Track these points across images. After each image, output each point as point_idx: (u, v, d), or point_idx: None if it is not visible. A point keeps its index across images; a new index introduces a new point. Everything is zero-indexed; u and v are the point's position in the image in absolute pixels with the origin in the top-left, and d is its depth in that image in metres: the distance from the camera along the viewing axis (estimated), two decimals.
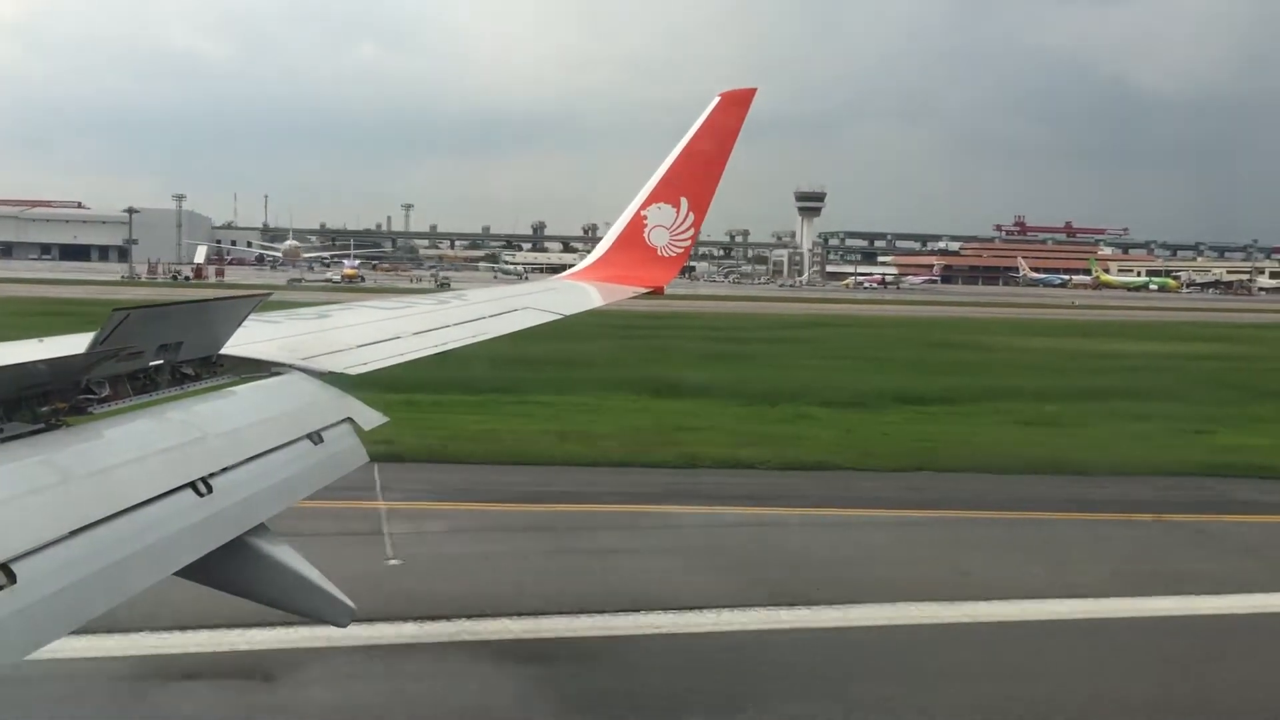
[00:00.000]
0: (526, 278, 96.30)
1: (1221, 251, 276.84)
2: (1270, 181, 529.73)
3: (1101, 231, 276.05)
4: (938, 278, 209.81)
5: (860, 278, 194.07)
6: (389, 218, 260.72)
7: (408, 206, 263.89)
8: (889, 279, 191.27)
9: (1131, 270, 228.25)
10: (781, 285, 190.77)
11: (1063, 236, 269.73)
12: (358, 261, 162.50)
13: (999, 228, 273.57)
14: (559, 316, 10.27)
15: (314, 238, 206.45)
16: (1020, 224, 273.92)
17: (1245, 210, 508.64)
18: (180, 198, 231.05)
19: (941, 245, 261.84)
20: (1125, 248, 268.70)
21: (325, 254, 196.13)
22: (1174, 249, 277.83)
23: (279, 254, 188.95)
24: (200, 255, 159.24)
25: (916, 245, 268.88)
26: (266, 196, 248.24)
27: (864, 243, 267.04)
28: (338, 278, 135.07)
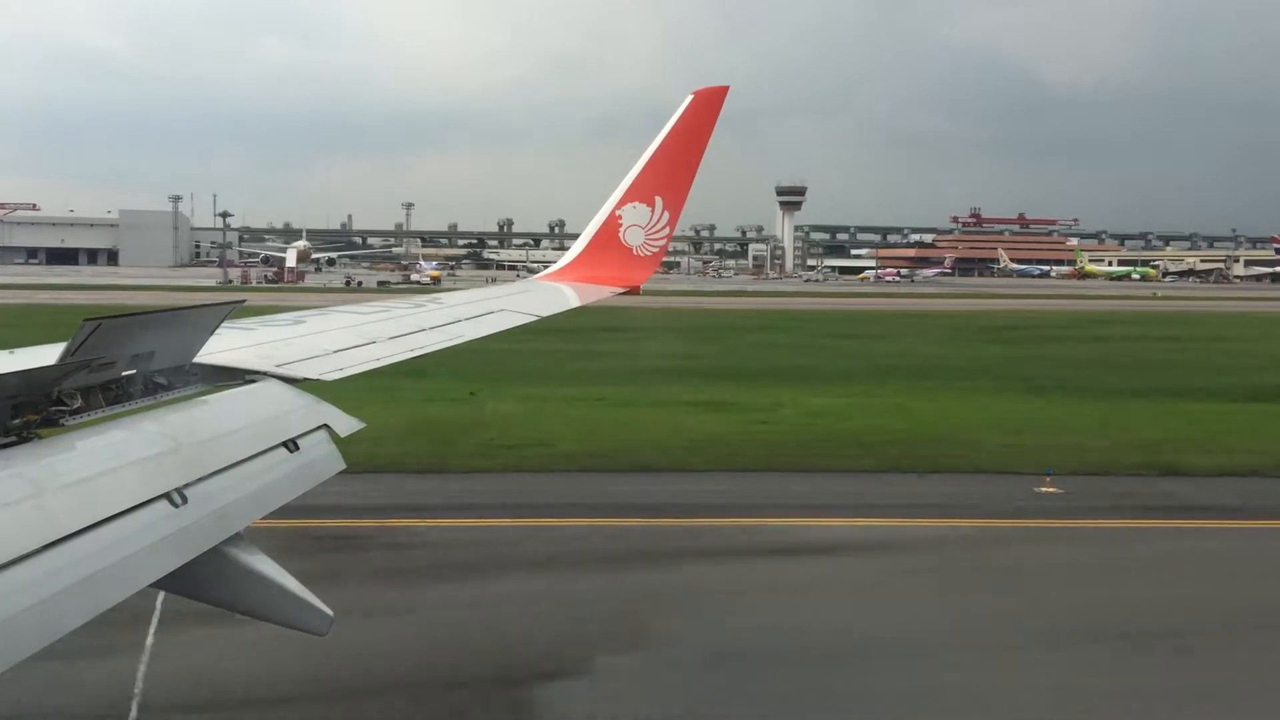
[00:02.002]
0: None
1: (1167, 240, 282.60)
2: (1180, 174, 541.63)
3: (1054, 222, 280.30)
4: (950, 270, 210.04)
5: (880, 271, 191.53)
6: (350, 216, 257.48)
7: (408, 205, 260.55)
8: (903, 273, 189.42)
9: (1102, 260, 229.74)
10: (768, 279, 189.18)
11: (1017, 228, 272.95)
12: (435, 263, 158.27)
13: (956, 219, 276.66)
14: (535, 318, 10.27)
15: (302, 238, 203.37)
16: (976, 216, 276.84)
17: (1153, 201, 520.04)
18: (176, 199, 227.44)
19: (916, 238, 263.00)
20: (1079, 237, 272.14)
21: (334, 254, 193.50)
22: (1122, 239, 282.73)
23: (285, 258, 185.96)
24: (292, 258, 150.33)
25: (877, 238, 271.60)
26: (215, 195, 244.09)
27: (826, 236, 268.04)
28: (427, 279, 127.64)
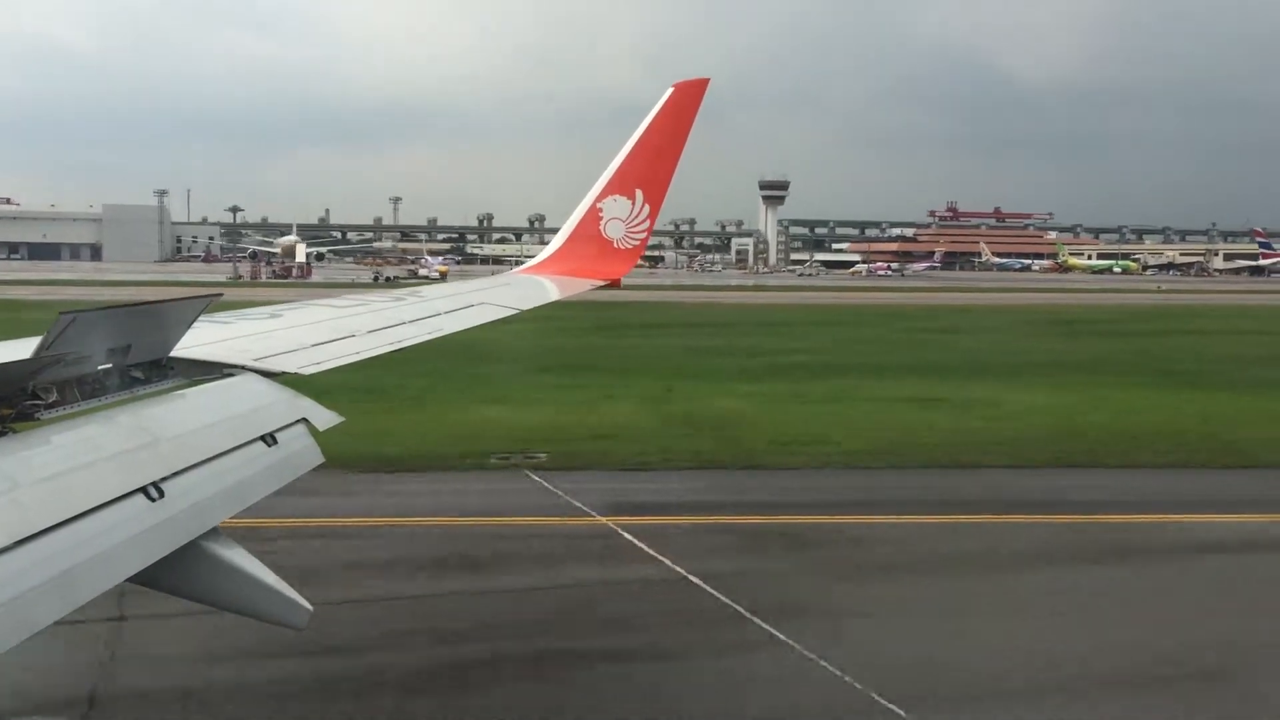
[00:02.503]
0: None
1: (1140, 234, 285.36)
2: (1148, 168, 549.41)
3: (1030, 216, 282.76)
4: (939, 264, 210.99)
5: (871, 265, 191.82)
6: (328, 210, 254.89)
7: (396, 199, 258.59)
8: (894, 267, 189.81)
9: (1081, 254, 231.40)
10: (759, 272, 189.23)
11: (994, 221, 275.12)
12: (441, 258, 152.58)
13: (933, 213, 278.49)
14: (515, 311, 10.26)
15: (292, 233, 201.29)
16: (953, 210, 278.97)
17: (1122, 196, 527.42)
18: (162, 193, 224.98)
19: (897, 232, 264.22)
20: (1056, 231, 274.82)
21: (324, 249, 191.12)
22: (1097, 232, 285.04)
23: (277, 251, 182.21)
24: (301, 253, 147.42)
25: (856, 232, 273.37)
26: (189, 191, 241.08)
27: (806, 230, 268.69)
28: (435, 275, 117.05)
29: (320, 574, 12.53)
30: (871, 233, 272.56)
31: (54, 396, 4.25)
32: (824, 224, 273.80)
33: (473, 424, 22.62)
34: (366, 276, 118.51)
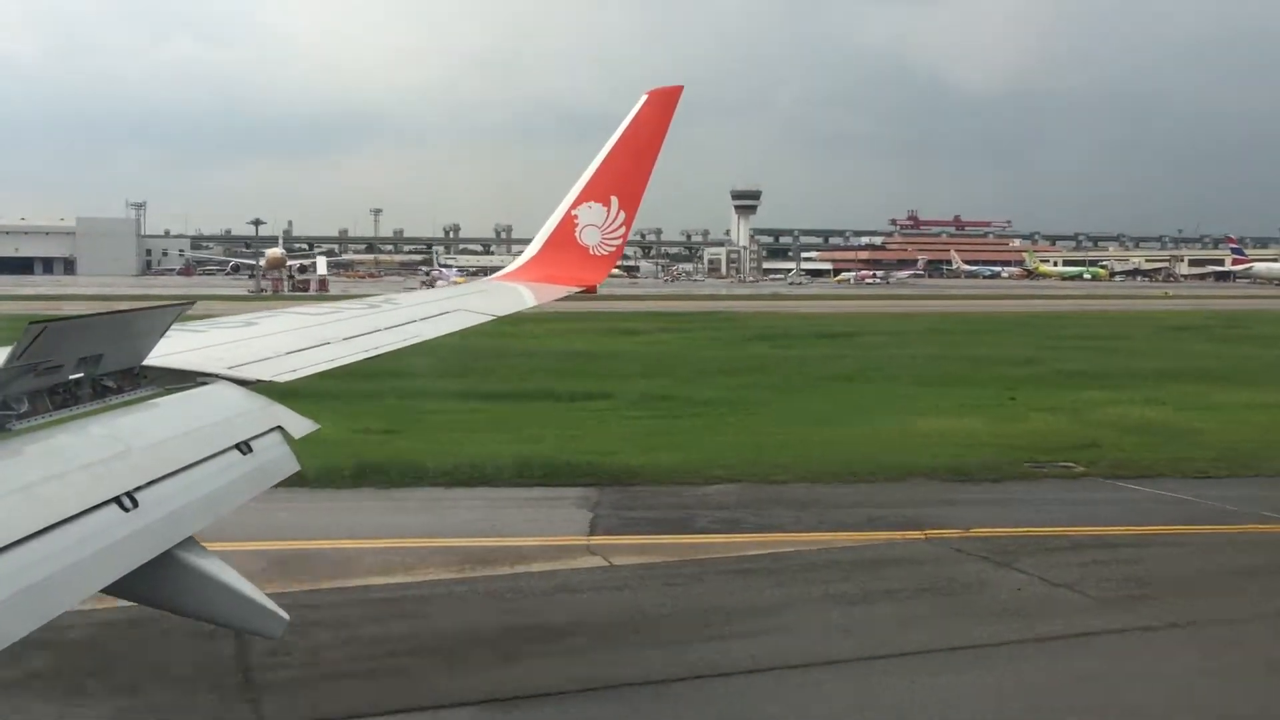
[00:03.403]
0: None
1: (1095, 241, 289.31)
2: (1088, 175, 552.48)
3: (989, 224, 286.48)
4: (923, 272, 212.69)
5: (860, 273, 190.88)
6: (291, 222, 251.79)
7: (377, 211, 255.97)
8: (879, 275, 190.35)
9: (1047, 260, 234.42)
10: (746, 281, 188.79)
11: (954, 229, 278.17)
12: (456, 270, 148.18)
13: (894, 221, 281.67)
14: (491, 318, 10.25)
15: (279, 244, 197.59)
16: (913, 218, 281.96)
17: (1071, 202, 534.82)
18: (139, 206, 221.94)
19: (865, 240, 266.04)
20: (1020, 238, 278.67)
21: (306, 260, 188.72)
22: (1053, 239, 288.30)
23: (258, 263, 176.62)
24: (322, 266, 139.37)
25: (819, 240, 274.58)
26: (145, 203, 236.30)
27: (770, 239, 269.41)
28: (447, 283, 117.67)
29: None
30: (835, 241, 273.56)
31: (25, 407, 4.22)
32: (789, 232, 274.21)
33: (932, 433, 21.86)
34: (374, 286, 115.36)
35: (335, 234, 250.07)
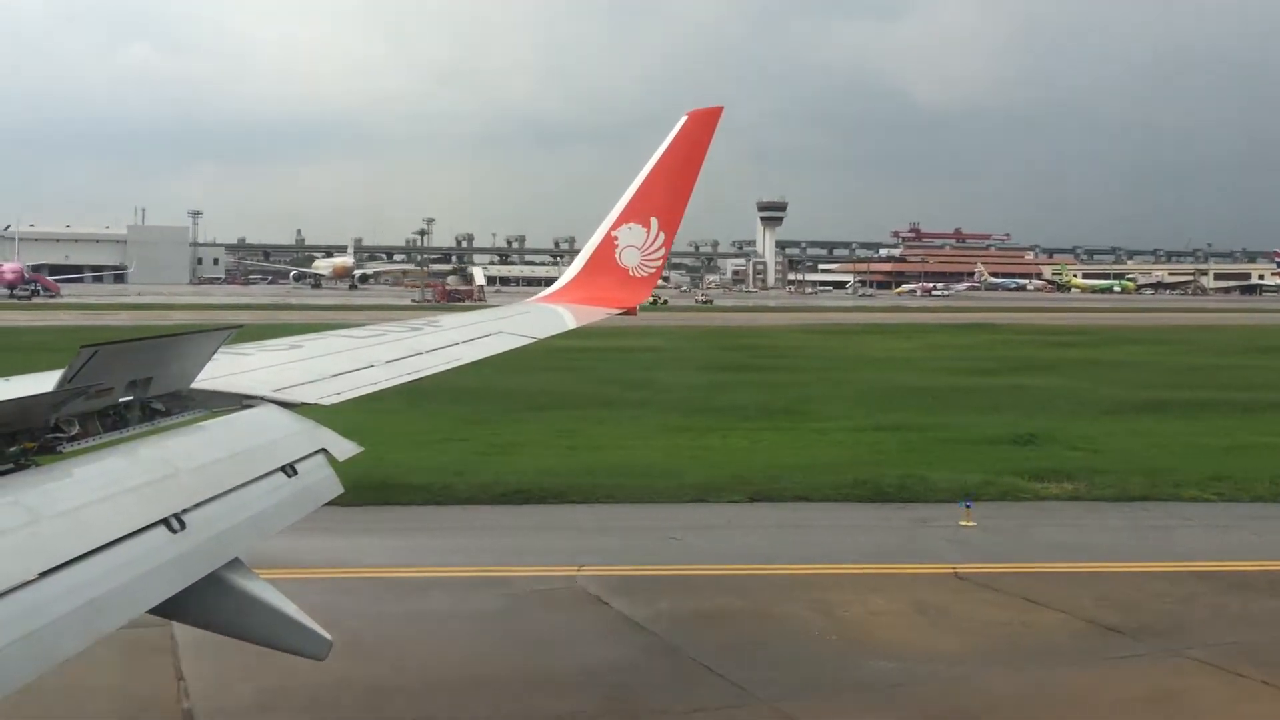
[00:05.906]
0: None
1: (1090, 254, 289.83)
2: (1078, 188, 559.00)
3: (989, 236, 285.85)
4: (980, 285, 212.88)
5: (924, 284, 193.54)
6: (299, 230, 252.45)
7: (429, 220, 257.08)
8: (942, 287, 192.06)
9: (1061, 274, 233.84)
10: (794, 293, 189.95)
11: (954, 242, 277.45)
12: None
13: (896, 234, 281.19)
14: (533, 340, 10.28)
15: (348, 252, 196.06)
16: (916, 230, 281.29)
17: (1048, 216, 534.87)
18: (196, 214, 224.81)
19: (886, 252, 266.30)
20: (1025, 251, 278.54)
21: (369, 269, 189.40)
22: (1050, 252, 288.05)
23: (323, 273, 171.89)
24: (480, 276, 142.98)
25: (823, 252, 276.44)
26: (201, 212, 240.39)
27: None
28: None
29: None
30: (840, 253, 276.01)
31: (76, 429, 4.28)
32: (796, 244, 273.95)
33: None
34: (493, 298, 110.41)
35: (400, 243, 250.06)
